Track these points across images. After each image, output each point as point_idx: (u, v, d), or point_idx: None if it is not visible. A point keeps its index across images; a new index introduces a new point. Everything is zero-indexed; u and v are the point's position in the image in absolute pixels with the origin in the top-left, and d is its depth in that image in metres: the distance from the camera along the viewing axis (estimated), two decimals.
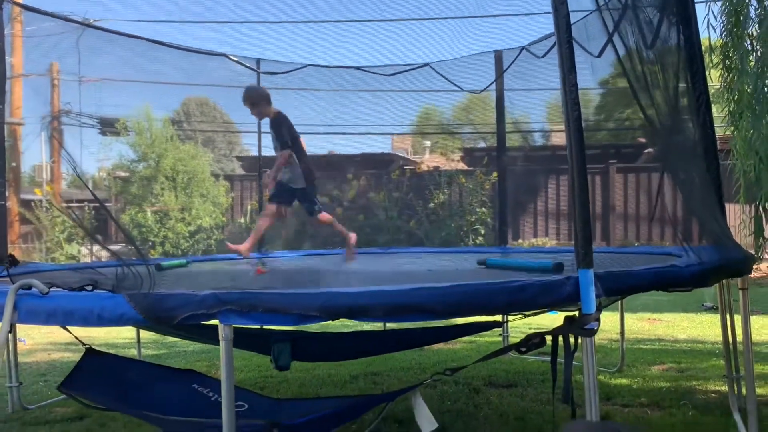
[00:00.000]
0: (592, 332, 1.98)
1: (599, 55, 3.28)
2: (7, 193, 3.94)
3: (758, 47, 3.24)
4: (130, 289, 1.96)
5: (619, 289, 2.14)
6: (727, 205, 3.06)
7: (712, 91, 3.66)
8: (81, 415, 3.40)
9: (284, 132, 4.99)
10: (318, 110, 7.28)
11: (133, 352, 4.65)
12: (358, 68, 5.90)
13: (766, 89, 2.85)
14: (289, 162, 5.01)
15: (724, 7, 3.36)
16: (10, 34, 4.28)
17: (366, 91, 6.39)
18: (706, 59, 3.43)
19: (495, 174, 7.89)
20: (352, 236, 5.33)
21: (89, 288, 2.21)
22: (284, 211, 5.20)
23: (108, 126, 11.77)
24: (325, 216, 5.30)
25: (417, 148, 25.25)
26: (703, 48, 3.17)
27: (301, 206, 5.39)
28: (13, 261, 3.04)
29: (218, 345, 1.94)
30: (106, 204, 13.28)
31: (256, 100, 5.06)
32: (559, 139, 12.17)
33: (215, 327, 1.96)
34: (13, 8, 4.77)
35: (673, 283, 2.28)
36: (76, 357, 3.25)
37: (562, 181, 12.87)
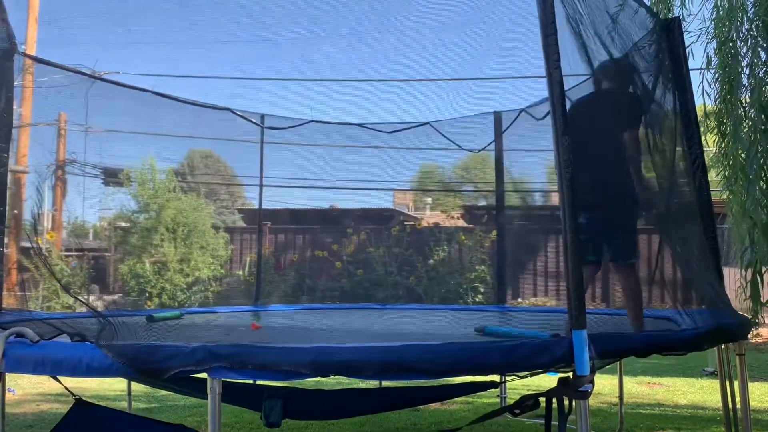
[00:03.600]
0: (586, 395, 1.96)
1: None
2: (6, 240, 3.94)
3: (752, 113, 3.30)
4: (108, 340, 1.92)
5: (612, 351, 2.12)
6: (725, 269, 3.06)
7: (709, 155, 3.71)
8: None
9: None
10: (321, 164, 7.39)
11: (123, 405, 4.56)
12: (359, 125, 6.00)
13: (759, 155, 2.89)
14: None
15: (717, 75, 3.44)
16: (20, 86, 4.38)
17: (368, 147, 6.47)
18: (702, 126, 3.49)
19: (494, 232, 7.89)
20: None
21: (76, 339, 2.19)
22: None
23: (111, 176, 11.86)
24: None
25: (418, 204, 25.34)
26: (698, 114, 3.23)
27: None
28: None
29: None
30: (106, 254, 13.27)
31: None
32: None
33: (205, 380, 1.93)
34: (25, 60, 4.91)
35: (666, 346, 2.27)
36: (65, 408, 3.19)
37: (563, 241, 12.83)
